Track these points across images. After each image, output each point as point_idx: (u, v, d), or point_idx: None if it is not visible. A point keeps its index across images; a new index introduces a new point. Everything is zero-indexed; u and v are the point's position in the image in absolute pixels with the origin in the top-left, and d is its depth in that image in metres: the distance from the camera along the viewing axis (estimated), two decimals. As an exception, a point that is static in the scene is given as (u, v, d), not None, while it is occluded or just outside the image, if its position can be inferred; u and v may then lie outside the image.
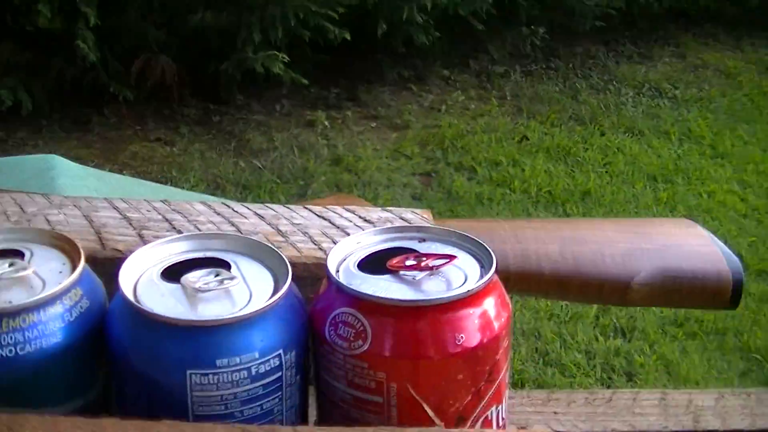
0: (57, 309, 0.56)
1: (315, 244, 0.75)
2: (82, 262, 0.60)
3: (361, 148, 4.41)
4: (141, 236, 0.75)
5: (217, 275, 0.59)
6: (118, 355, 0.57)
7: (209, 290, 0.57)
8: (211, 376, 0.54)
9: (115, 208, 0.81)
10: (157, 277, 0.60)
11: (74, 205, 0.81)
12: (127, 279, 0.59)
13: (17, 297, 0.56)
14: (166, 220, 0.79)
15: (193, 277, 0.58)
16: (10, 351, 0.54)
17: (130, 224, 0.78)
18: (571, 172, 4.31)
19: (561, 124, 4.80)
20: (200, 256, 0.63)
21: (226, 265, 0.61)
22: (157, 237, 0.74)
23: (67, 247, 0.63)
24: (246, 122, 4.68)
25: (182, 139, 4.52)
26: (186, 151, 4.40)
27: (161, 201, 0.84)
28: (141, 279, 0.60)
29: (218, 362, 0.54)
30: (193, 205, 0.83)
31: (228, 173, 4.20)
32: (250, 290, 0.58)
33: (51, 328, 0.56)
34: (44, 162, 1.40)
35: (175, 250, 0.63)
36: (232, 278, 0.59)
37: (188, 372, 0.54)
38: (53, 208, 0.80)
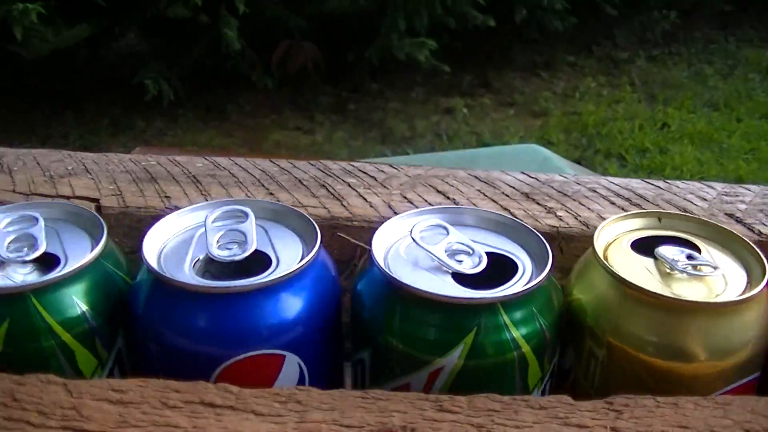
0: None
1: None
2: None
3: (508, 135, 4.36)
4: None
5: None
6: None
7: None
8: None
9: None
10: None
11: None
12: None
13: None
14: None
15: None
16: None
17: None
18: (719, 159, 4.25)
19: (696, 110, 4.74)
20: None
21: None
22: None
23: None
24: (383, 110, 4.64)
25: (321, 127, 4.48)
26: (330, 139, 4.36)
27: None
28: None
29: None
30: None
31: (381, 162, 4.16)
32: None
33: None
34: (534, 152, 1.37)
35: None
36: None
37: None
38: None
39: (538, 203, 0.76)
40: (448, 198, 0.77)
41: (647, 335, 0.54)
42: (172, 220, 0.60)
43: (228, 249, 0.56)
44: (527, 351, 0.53)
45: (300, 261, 0.54)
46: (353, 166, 0.84)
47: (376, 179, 0.81)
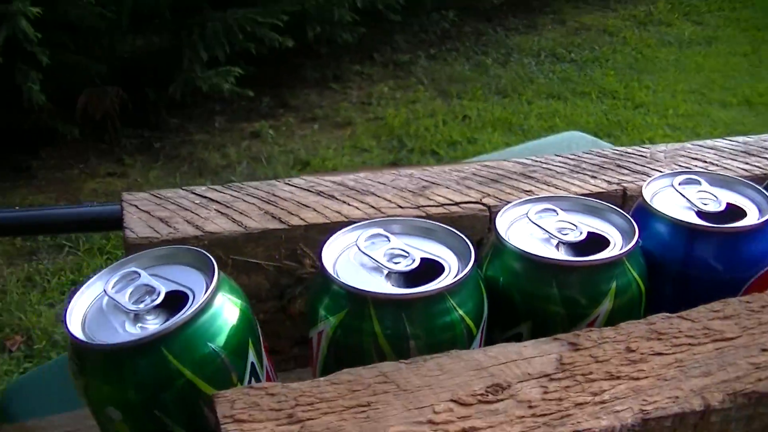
0: None
1: None
2: None
3: (322, 149, 4.44)
4: None
5: None
6: None
7: None
8: None
9: None
10: None
11: None
12: None
13: None
14: None
15: None
16: None
17: None
18: (523, 141, 4.46)
19: (488, 99, 4.98)
20: None
21: None
22: None
23: None
24: (191, 143, 4.61)
25: (133, 169, 4.41)
26: (147, 180, 4.30)
27: None
28: None
29: None
30: None
31: (210, 193, 4.13)
32: None
33: None
34: (582, 138, 1.46)
35: None
36: None
37: None
38: None
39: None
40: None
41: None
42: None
43: None
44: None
45: None
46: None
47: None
